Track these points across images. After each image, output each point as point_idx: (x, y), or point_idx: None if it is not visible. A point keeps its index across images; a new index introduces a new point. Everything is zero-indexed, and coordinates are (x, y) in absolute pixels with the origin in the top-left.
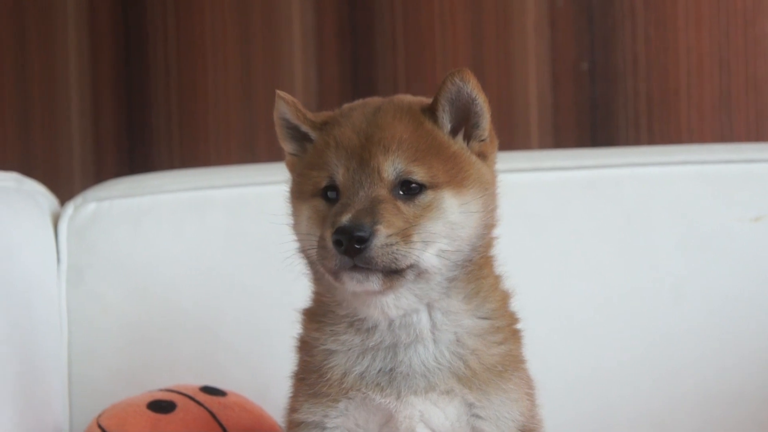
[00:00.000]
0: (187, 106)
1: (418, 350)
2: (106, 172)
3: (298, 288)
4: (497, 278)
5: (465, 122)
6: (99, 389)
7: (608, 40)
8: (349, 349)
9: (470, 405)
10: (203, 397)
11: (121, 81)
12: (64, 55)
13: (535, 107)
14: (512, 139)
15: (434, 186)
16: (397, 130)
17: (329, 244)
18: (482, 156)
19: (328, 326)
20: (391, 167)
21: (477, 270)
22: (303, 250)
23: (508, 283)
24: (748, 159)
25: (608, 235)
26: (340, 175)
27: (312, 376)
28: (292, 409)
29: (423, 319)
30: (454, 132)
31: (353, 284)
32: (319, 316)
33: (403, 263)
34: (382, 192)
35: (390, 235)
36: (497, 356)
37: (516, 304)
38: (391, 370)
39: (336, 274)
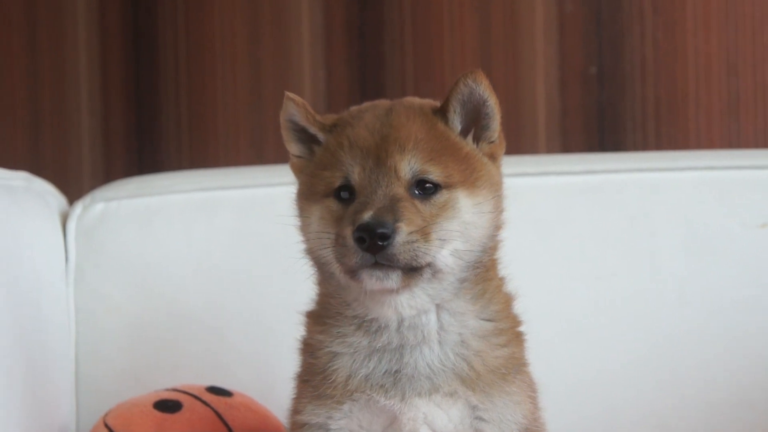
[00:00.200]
0: (196, 107)
1: (423, 352)
2: (115, 172)
3: (305, 289)
4: (501, 280)
5: (475, 123)
6: (105, 388)
7: (616, 44)
8: (355, 351)
9: (473, 407)
10: (209, 397)
11: (130, 82)
12: (74, 55)
13: (542, 111)
14: (520, 143)
15: (449, 186)
16: (412, 130)
17: (350, 241)
18: (491, 157)
19: (335, 328)
20: (407, 166)
21: (485, 272)
22: (313, 251)
23: (513, 285)
24: (754, 165)
25: (613, 239)
26: (355, 175)
27: (316, 378)
28: (296, 410)
29: (431, 320)
30: (463, 133)
31: (372, 282)
32: (324, 318)
33: (423, 261)
34: (400, 191)
35: (411, 233)
36: (501, 359)
37: (521, 307)
38: (396, 371)
39: (354, 273)
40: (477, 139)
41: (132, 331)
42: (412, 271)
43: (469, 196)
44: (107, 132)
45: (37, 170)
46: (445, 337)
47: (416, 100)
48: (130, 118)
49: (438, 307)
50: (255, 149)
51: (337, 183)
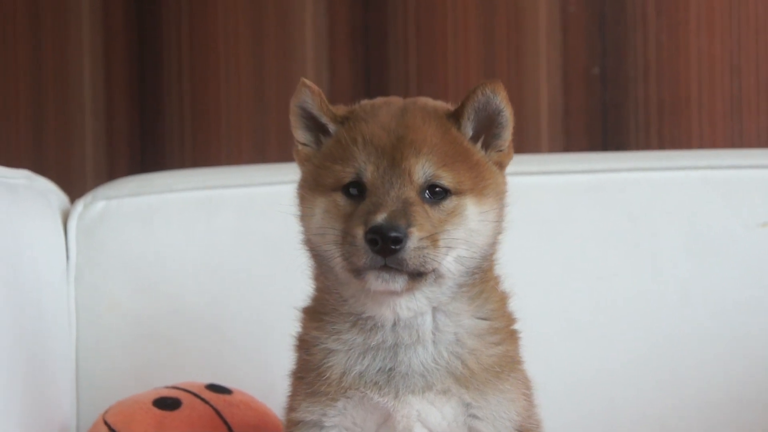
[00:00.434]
0: (199, 107)
1: (417, 351)
2: (119, 171)
3: (305, 287)
4: (497, 279)
5: (486, 131)
6: (106, 386)
7: (620, 45)
8: (350, 349)
9: (467, 405)
10: (209, 395)
11: (134, 82)
12: (78, 55)
13: (545, 112)
14: (522, 143)
15: (459, 192)
16: (427, 134)
17: (360, 241)
18: (499, 166)
19: (331, 325)
20: (421, 170)
21: (483, 274)
22: (314, 244)
23: (515, 284)
24: (756, 165)
25: (614, 238)
26: (368, 173)
27: (310, 375)
28: (291, 408)
29: (427, 321)
30: (473, 139)
31: (378, 283)
32: (320, 315)
33: (431, 267)
34: (412, 194)
35: (422, 239)
36: (495, 357)
37: (522, 306)
38: (390, 369)
39: (359, 272)
40: (486, 147)
41: (133, 329)
42: (417, 275)
43: (477, 204)
44: (110, 131)
45: (41, 169)
46: (440, 336)
47: (429, 102)
48: (133, 118)
49: (434, 309)
50: (258, 149)
51: (348, 178)
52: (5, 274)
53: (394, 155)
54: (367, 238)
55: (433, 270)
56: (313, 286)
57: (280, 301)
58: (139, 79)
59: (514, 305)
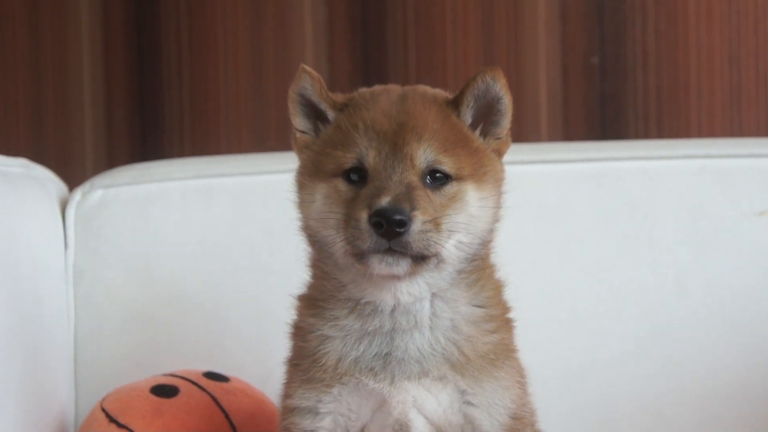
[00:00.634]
0: (198, 97)
1: (414, 336)
2: (118, 160)
3: (302, 274)
4: (493, 268)
5: (484, 119)
6: (104, 374)
7: (619, 35)
8: (346, 335)
9: (463, 392)
10: (206, 383)
11: (133, 71)
12: (78, 44)
13: (544, 102)
14: (522, 133)
15: (459, 178)
16: (428, 119)
17: (364, 225)
18: (497, 153)
19: (328, 311)
20: (422, 155)
21: (480, 262)
22: (314, 229)
23: (511, 273)
24: (754, 153)
25: (612, 227)
26: (370, 158)
27: (306, 362)
28: (286, 395)
29: (425, 306)
30: (472, 126)
31: (381, 267)
32: (318, 302)
33: (434, 250)
34: (414, 179)
35: (425, 222)
36: (490, 344)
37: (519, 295)
38: (386, 354)
39: (362, 256)
40: (484, 134)
41: (131, 317)
42: (420, 259)
43: (477, 189)
44: (110, 120)
45: (40, 158)
46: (437, 322)
47: (428, 89)
48: (132, 107)
49: (433, 294)
50: (257, 139)
51: (349, 164)
52: (3, 262)
53: (395, 140)
54: (372, 221)
55: (436, 254)
56: (310, 273)
57: (278, 289)
58: (138, 68)
59: (512, 294)
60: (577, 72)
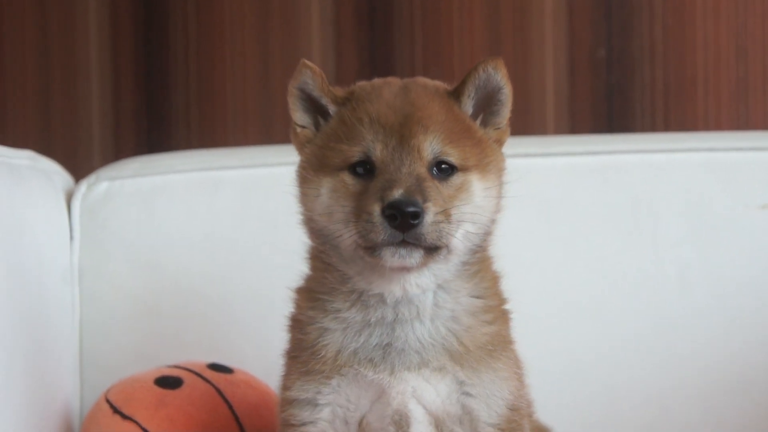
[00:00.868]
0: (205, 89)
1: (414, 327)
2: (125, 152)
3: (306, 268)
4: (490, 259)
5: (484, 109)
6: (109, 365)
7: (625, 27)
8: (347, 327)
9: (461, 383)
10: (210, 374)
11: (140, 63)
12: (85, 36)
13: (551, 94)
14: (528, 126)
15: (464, 169)
16: (433, 111)
17: (377, 217)
18: (498, 143)
19: (329, 303)
20: (429, 147)
21: (481, 253)
22: (319, 223)
23: (515, 265)
24: (757, 147)
25: (615, 220)
26: (377, 151)
27: (304, 354)
28: (285, 386)
29: (429, 297)
30: (473, 117)
31: (394, 259)
32: (318, 294)
33: (446, 241)
34: (423, 170)
35: (437, 213)
36: (488, 335)
37: (522, 287)
38: (387, 345)
39: (374, 249)
40: (484, 125)
41: (135, 309)
42: (432, 250)
43: (481, 180)
44: (117, 113)
45: (48, 150)
46: (438, 313)
47: (428, 81)
48: (140, 100)
49: (438, 285)
50: (263, 131)
51: (355, 157)
52: (8, 254)
53: (402, 133)
54: (386, 213)
55: (447, 245)
56: (309, 266)
57: (282, 282)
58: (145, 60)
59: (516, 287)
60: (583, 65)
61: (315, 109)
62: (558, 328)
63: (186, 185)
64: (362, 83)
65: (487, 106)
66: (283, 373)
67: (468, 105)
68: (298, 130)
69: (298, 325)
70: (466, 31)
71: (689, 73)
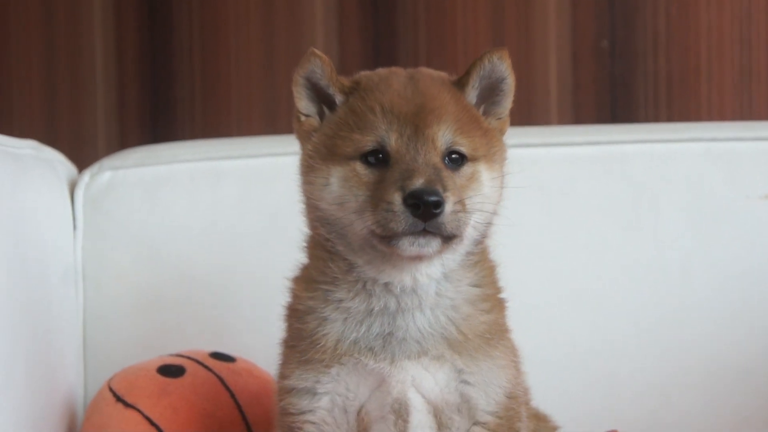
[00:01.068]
0: (210, 79)
1: (415, 316)
2: (130, 143)
3: (304, 257)
4: (488, 248)
5: (486, 99)
6: (113, 354)
7: (629, 18)
8: (348, 317)
9: (460, 371)
10: (212, 363)
11: (145, 53)
12: (90, 27)
13: (554, 85)
14: (532, 117)
15: (474, 159)
16: (444, 101)
17: (398, 207)
18: (500, 133)
19: (331, 293)
20: (443, 137)
21: (483, 242)
22: (327, 212)
23: (518, 255)
24: (759, 137)
25: (617, 210)
26: (392, 141)
27: (303, 343)
28: (282, 375)
29: (432, 287)
30: (476, 107)
31: (413, 248)
32: (318, 284)
33: (463, 230)
34: (437, 160)
35: (455, 203)
36: (486, 324)
37: (524, 277)
38: (388, 334)
39: (390, 238)
40: (486, 115)
41: (138, 298)
42: (449, 239)
43: (488, 170)
44: (122, 103)
45: (53, 141)
46: (440, 302)
47: (432, 71)
48: (144, 90)
49: (443, 275)
50: (268, 121)
51: (368, 147)
52: (11, 243)
53: (416, 123)
54: (408, 203)
55: (462, 234)
56: (308, 256)
57: (283, 270)
58: (150, 51)
59: (518, 276)
60: (587, 56)
61: (320, 98)
62: (559, 318)
63: (189, 175)
64: (366, 73)
65: (489, 96)
66: (280, 362)
67: (472, 95)
68: (303, 119)
69: (295, 314)
70: (470, 21)
71: (693, 64)
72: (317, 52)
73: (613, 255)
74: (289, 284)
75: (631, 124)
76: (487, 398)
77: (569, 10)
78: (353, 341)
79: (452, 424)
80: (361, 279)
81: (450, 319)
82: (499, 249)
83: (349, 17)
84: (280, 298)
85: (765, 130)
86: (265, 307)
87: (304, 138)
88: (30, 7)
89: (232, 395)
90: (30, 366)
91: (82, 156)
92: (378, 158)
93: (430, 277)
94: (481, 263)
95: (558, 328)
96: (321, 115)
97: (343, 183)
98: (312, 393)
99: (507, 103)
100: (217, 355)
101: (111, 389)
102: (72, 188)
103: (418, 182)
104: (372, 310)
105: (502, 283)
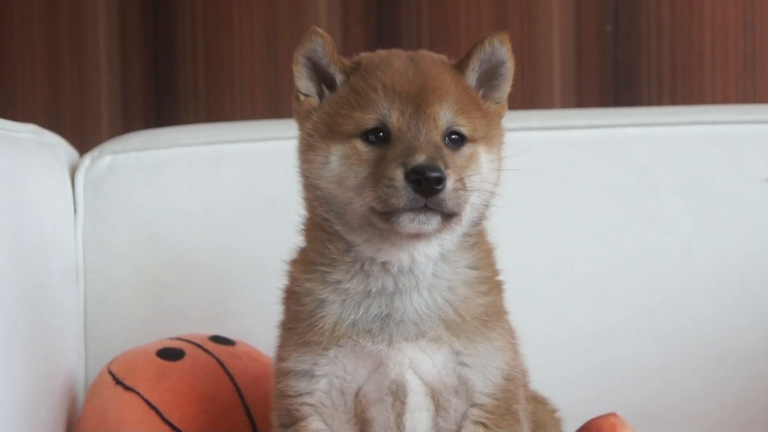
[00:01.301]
0: (213, 64)
1: (412, 297)
2: (133, 127)
3: (301, 239)
4: (485, 231)
5: (486, 83)
6: (113, 337)
7: (632, 2)
8: (346, 298)
9: (457, 353)
10: (212, 346)
11: (148, 39)
12: (93, 12)
13: (558, 70)
14: (535, 101)
15: (473, 140)
16: (445, 81)
17: (400, 182)
18: (498, 117)
19: (329, 275)
20: (444, 117)
21: (480, 224)
22: (326, 191)
23: (519, 239)
24: (759, 120)
25: (618, 193)
26: (394, 119)
27: (301, 325)
28: (280, 358)
29: (429, 268)
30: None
31: (413, 225)
32: (317, 266)
33: (463, 208)
34: (438, 139)
35: (456, 180)
36: (483, 306)
37: (525, 261)
38: (386, 316)
39: (390, 215)
40: (484, 98)
41: (139, 281)
42: (448, 217)
43: (487, 152)
44: (125, 89)
45: (57, 126)
46: (437, 283)
47: (432, 53)
48: (147, 75)
49: (440, 255)
50: (271, 106)
51: (370, 125)
52: (11, 227)
53: (418, 102)
54: (411, 178)
55: (461, 212)
56: (306, 238)
57: (283, 254)
58: (153, 36)
59: (518, 259)
60: (590, 40)
61: (319, 77)
62: (560, 302)
63: (190, 159)
64: (366, 54)
65: (488, 80)
66: (277, 345)
67: (472, 78)
68: (302, 98)
69: (293, 296)
70: (473, 6)
71: (696, 48)
72: (319, 30)
73: (614, 238)
74: (286, 267)
75: (630, 108)
76: (485, 380)
77: None
78: (351, 323)
79: (450, 405)
80: (359, 259)
81: (447, 300)
82: (500, 232)
83: (353, 5)
84: (280, 281)
85: (766, 113)
86: (266, 291)
87: (303, 117)
88: None
89: (232, 378)
90: (31, 349)
91: (87, 141)
92: (378, 136)
93: (428, 256)
94: (479, 245)
95: (558, 312)
96: (320, 95)
97: (343, 161)
98: (310, 375)
99: (506, 87)
100: (217, 339)
101: (111, 372)
102: (73, 172)
103: (420, 158)
104: (370, 291)
105: (502, 266)
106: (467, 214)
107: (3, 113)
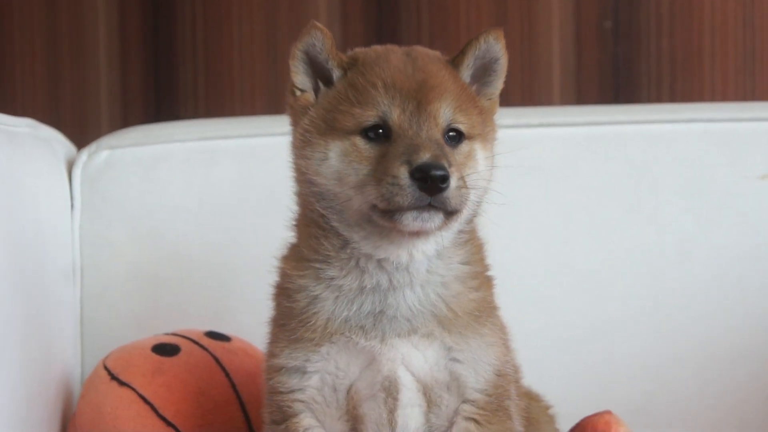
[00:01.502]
0: (212, 60)
1: (406, 293)
2: (133, 123)
3: (293, 235)
4: (476, 227)
5: (479, 79)
6: (109, 332)
7: None
8: (340, 295)
9: (449, 349)
10: (207, 342)
11: (148, 34)
12: (93, 12)
13: (557, 66)
14: (534, 97)
15: (470, 137)
16: (444, 78)
17: (405, 180)
18: (491, 114)
19: (322, 271)
20: (443, 114)
21: (473, 220)
22: (324, 187)
23: (516, 236)
24: (758, 117)
25: (616, 190)
26: (395, 116)
27: (293, 322)
28: (272, 354)
29: (423, 264)
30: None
31: (416, 223)
32: (310, 262)
33: (464, 206)
34: (439, 136)
35: (459, 178)
36: (474, 302)
37: (521, 258)
38: (379, 312)
39: (393, 213)
40: (477, 94)
41: (135, 277)
42: (450, 215)
43: (483, 149)
44: (125, 84)
45: (57, 121)
46: (430, 279)
47: (428, 50)
48: (147, 72)
49: (436, 252)
50: (270, 102)
51: (370, 121)
52: (8, 221)
53: (419, 99)
54: (416, 176)
55: (462, 210)
56: (298, 234)
57: (278, 248)
58: (153, 32)
59: (515, 256)
60: (590, 36)
61: (316, 73)
62: (556, 298)
63: (186, 154)
64: (361, 49)
65: (482, 76)
66: (268, 341)
67: (466, 75)
68: (298, 93)
69: (285, 293)
70: (473, 2)
71: (696, 45)
72: (318, 24)
73: (612, 235)
74: (277, 263)
75: (629, 105)
76: (476, 376)
77: None
78: (344, 319)
79: (441, 402)
80: (355, 256)
81: (440, 296)
82: (498, 229)
83: (353, 2)
84: (276, 277)
85: (763, 111)
86: (261, 287)
87: (298, 113)
88: None
89: (227, 374)
90: (27, 344)
91: (86, 137)
92: (378, 133)
93: (425, 253)
94: (471, 241)
95: (555, 309)
96: (316, 90)
97: (342, 158)
98: (302, 372)
99: (499, 83)
100: (213, 334)
101: (106, 367)
102: (70, 167)
103: (425, 156)
104: (364, 287)
105: (500, 264)
106: (465, 211)
107: (2, 113)
